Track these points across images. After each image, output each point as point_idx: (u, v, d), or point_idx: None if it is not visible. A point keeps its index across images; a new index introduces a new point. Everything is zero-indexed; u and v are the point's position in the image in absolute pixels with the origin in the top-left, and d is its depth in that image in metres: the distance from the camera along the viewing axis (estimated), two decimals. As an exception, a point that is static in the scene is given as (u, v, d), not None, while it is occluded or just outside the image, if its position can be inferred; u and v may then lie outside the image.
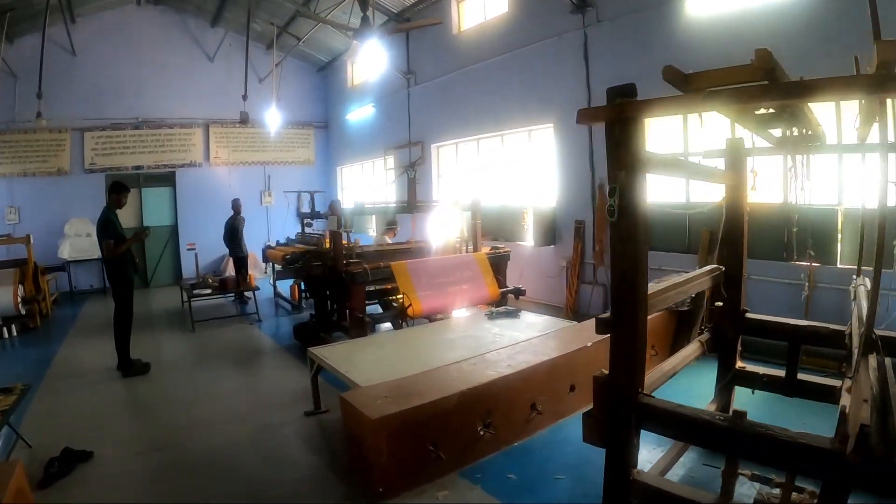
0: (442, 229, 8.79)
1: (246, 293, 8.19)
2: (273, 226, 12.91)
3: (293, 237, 10.58)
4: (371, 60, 8.96)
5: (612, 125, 2.01)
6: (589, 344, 3.95)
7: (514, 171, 8.38)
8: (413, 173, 6.35)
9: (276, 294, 9.44)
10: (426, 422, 3.03)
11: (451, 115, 9.30)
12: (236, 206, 9.39)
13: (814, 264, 4.84)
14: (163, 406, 4.60)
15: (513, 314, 5.22)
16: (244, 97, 10.00)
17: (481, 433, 3.25)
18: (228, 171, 12.36)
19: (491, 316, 5.16)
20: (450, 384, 3.28)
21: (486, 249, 6.52)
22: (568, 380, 3.83)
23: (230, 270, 11.76)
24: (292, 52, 12.24)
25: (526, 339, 4.27)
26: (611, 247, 2.12)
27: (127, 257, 5.34)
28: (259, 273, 10.80)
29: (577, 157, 7.13)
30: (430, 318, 5.65)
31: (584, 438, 2.20)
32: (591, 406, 2.18)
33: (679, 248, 6.31)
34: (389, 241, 7.65)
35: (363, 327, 5.03)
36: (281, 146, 13.05)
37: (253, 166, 12.68)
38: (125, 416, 4.50)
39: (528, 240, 8.00)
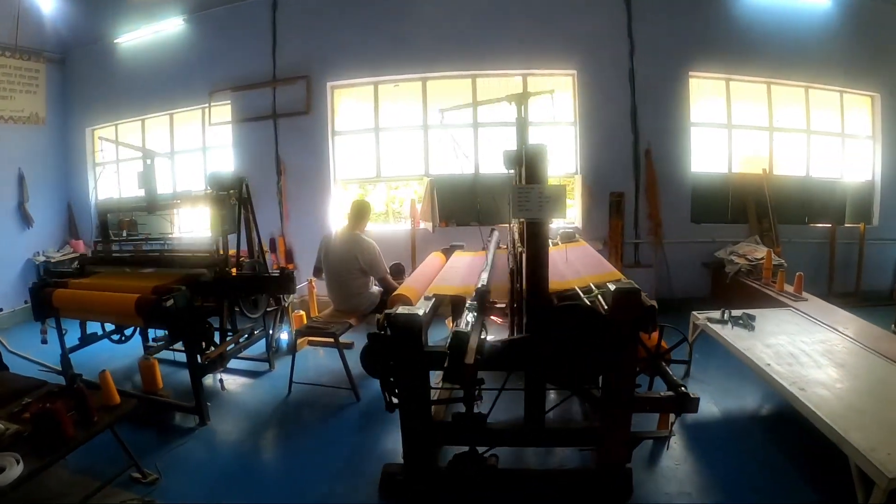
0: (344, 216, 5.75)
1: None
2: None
3: (90, 253, 5.43)
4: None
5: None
6: None
7: (498, 129, 6.20)
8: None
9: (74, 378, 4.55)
10: None
11: (370, 40, 6.11)
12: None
13: None
14: None
15: (744, 321, 3.52)
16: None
17: None
18: None
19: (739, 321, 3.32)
20: None
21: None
22: None
23: None
24: None
25: None
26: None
27: None
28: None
29: (611, 117, 5.75)
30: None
31: None
32: None
33: (721, 219, 6.09)
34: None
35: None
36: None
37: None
38: None
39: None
